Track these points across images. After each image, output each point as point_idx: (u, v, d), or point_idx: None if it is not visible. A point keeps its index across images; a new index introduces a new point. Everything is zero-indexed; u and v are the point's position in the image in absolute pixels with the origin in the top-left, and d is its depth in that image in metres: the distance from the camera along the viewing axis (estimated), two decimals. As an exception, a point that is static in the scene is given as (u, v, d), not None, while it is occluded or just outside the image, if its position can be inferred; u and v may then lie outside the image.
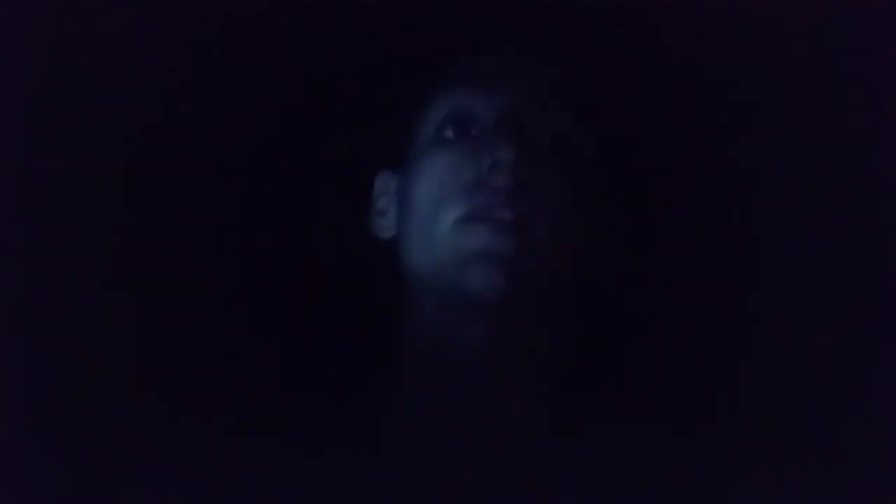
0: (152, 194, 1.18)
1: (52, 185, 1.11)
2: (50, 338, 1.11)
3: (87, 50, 1.10)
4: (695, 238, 1.22)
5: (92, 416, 1.11)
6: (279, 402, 1.14)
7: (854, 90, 1.10)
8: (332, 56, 1.21)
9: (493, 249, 1.01)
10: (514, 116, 1.04)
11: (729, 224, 1.21)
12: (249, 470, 1.05)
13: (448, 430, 1.05)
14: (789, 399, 1.16)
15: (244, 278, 1.24)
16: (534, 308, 1.05)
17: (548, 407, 1.07)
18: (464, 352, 1.04)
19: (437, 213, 1.03)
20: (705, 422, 1.15)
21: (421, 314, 1.06)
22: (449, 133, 1.06)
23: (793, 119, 1.16)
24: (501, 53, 1.08)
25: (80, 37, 1.09)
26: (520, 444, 1.05)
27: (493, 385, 1.05)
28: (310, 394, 1.17)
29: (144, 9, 1.11)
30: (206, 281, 1.21)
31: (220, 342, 1.21)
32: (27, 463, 1.07)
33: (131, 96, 1.14)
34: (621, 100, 1.14)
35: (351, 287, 1.24)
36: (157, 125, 1.17)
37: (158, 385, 1.15)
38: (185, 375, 1.18)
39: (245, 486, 1.04)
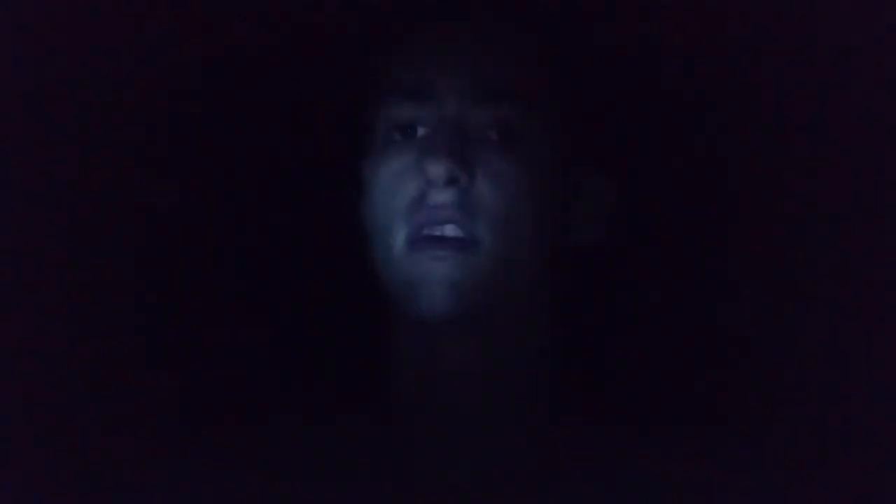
0: (137, 198, 1.18)
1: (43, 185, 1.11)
2: (47, 337, 1.11)
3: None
4: (687, 229, 1.22)
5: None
6: (271, 414, 1.14)
7: (852, 91, 1.10)
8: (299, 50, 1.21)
9: (439, 271, 0.99)
10: (455, 118, 1.02)
11: (722, 216, 1.21)
12: (237, 488, 1.05)
13: (437, 440, 1.04)
14: (782, 396, 1.16)
15: (233, 283, 1.24)
16: (499, 314, 1.03)
17: (539, 407, 1.06)
18: (436, 363, 1.04)
19: (388, 234, 1.02)
20: (698, 419, 1.15)
21: (395, 323, 1.06)
22: (397, 136, 1.04)
23: (758, 105, 1.16)
24: (444, 46, 1.05)
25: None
26: (512, 449, 1.05)
27: (472, 392, 1.04)
28: (301, 405, 1.17)
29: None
30: (197, 284, 1.22)
31: (210, 351, 1.21)
32: (27, 462, 1.07)
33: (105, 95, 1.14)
34: (578, 85, 1.11)
35: (340, 290, 1.24)
36: (140, 129, 1.17)
37: (129, 409, 1.15)
38: (171, 391, 1.18)
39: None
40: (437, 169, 0.99)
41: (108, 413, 1.14)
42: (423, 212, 1.00)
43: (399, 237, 1.01)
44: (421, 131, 1.03)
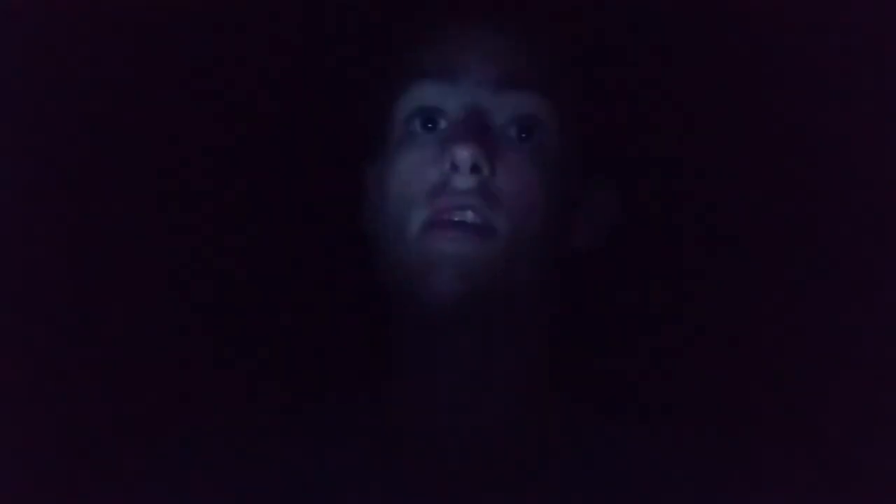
0: (141, 191, 1.18)
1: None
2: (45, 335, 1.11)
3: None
4: (687, 229, 1.22)
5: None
6: (267, 403, 1.14)
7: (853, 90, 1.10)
8: (307, 44, 1.21)
9: (456, 253, 1.00)
10: (478, 108, 1.03)
11: (721, 217, 1.21)
12: (238, 478, 1.05)
13: (435, 434, 1.05)
14: (782, 395, 1.16)
15: (234, 277, 1.24)
16: (507, 307, 1.03)
17: (539, 406, 1.07)
18: (440, 354, 1.04)
19: (404, 219, 1.02)
20: (698, 418, 1.16)
21: (398, 315, 1.06)
22: (416, 126, 1.05)
23: (775, 103, 1.16)
24: (467, 34, 1.06)
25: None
26: (511, 446, 1.05)
27: (474, 387, 1.04)
28: (294, 396, 1.18)
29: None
30: (193, 279, 1.21)
31: (208, 341, 1.21)
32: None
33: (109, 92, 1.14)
34: (599, 81, 1.12)
35: (338, 284, 1.24)
36: (147, 125, 1.17)
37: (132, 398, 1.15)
38: (170, 378, 1.18)
39: (233, 491, 1.04)
40: (464, 154, 1.00)
41: (106, 409, 1.14)
42: (445, 196, 1.01)
43: (416, 221, 1.02)
44: (443, 124, 1.04)
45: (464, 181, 1.01)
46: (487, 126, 1.03)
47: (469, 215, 1.01)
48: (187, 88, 1.18)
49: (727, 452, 1.07)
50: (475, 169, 1.00)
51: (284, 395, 1.20)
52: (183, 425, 1.10)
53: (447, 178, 1.01)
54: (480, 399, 1.04)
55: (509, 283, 1.02)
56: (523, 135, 1.04)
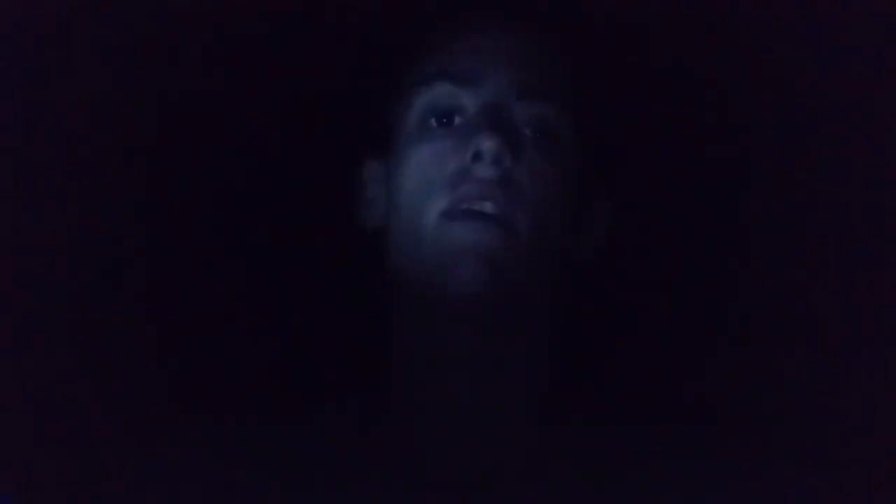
0: (131, 187, 1.18)
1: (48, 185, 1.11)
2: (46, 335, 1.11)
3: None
4: (686, 231, 1.23)
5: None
6: (262, 406, 1.14)
7: (854, 90, 1.10)
8: (314, 40, 1.21)
9: (478, 244, 1.00)
10: (499, 107, 1.04)
11: (720, 218, 1.22)
12: (241, 480, 1.05)
13: (438, 434, 1.05)
14: (781, 396, 1.16)
15: (224, 276, 1.24)
16: (520, 305, 1.04)
17: (541, 407, 1.07)
18: (450, 351, 1.04)
19: (421, 208, 1.03)
20: (698, 418, 1.16)
21: (406, 312, 1.06)
22: (433, 123, 1.05)
23: (783, 112, 1.17)
24: (486, 40, 1.07)
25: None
26: (513, 446, 1.05)
27: (481, 386, 1.04)
28: (295, 397, 1.17)
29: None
30: (194, 280, 1.21)
31: (199, 344, 1.21)
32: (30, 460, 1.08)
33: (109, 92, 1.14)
34: (610, 89, 1.13)
35: (337, 284, 1.24)
36: (140, 117, 1.17)
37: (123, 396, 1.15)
38: (170, 380, 1.18)
39: (237, 494, 1.04)
40: (489, 143, 1.00)
41: (103, 409, 1.14)
42: (468, 185, 1.01)
43: (434, 211, 1.02)
44: (458, 120, 1.04)
45: (487, 170, 1.01)
46: (509, 121, 1.03)
47: (489, 206, 1.01)
48: (188, 80, 1.18)
49: (726, 453, 1.07)
50: (500, 159, 1.01)
51: (287, 397, 1.20)
52: (185, 428, 1.10)
53: (468, 167, 1.02)
54: (489, 399, 1.04)
55: (527, 281, 1.02)
56: (539, 135, 1.04)
